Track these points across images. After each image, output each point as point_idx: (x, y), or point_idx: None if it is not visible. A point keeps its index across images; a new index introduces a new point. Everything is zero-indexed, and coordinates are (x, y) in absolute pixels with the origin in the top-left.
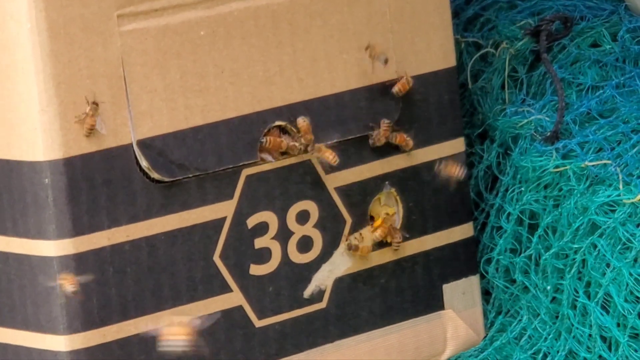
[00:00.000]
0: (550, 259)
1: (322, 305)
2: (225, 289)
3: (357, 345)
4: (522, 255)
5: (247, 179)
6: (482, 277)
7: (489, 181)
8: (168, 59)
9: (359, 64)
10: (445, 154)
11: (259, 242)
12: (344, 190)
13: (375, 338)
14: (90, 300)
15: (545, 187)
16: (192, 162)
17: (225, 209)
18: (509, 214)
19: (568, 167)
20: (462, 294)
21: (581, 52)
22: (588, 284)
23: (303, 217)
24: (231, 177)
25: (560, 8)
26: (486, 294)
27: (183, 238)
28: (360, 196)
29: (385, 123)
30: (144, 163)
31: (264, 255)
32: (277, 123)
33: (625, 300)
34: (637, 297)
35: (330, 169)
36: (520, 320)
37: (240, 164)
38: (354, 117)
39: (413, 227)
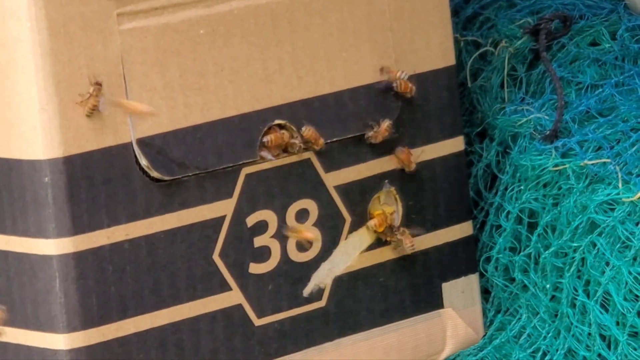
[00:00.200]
0: (550, 257)
1: (322, 304)
2: (225, 287)
3: (357, 344)
4: (522, 253)
5: (247, 177)
6: (482, 275)
7: (488, 180)
8: (168, 58)
9: (358, 62)
10: (444, 152)
11: (259, 241)
12: (343, 189)
13: (375, 337)
14: (90, 299)
15: (545, 185)
16: (192, 160)
17: (224, 208)
18: (509, 212)
19: (567, 165)
20: (461, 293)
21: (580, 51)
22: (587, 283)
23: (302, 215)
24: (231, 176)
25: (559, 7)
26: (485, 292)
27: (182, 237)
28: (359, 195)
29: (387, 123)
30: (143, 162)
31: (263, 254)
32: (277, 122)
33: (625, 299)
34: (637, 296)
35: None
36: (519, 318)
37: (240, 162)
38: (353, 116)
39: (412, 225)
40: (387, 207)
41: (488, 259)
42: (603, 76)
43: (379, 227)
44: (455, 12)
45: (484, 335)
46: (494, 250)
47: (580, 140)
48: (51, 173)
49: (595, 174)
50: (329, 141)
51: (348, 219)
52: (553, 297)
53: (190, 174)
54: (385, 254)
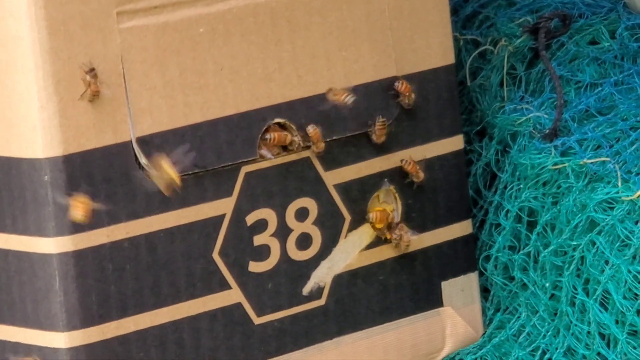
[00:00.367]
0: (549, 256)
1: (321, 302)
2: (224, 286)
3: (356, 342)
4: (521, 252)
5: (246, 176)
6: (481, 274)
7: (487, 178)
8: (167, 56)
9: (358, 61)
10: (444, 151)
11: (258, 239)
12: (343, 188)
13: (374, 335)
14: (90, 297)
15: (544, 184)
16: (192, 159)
17: (224, 206)
18: (508, 211)
19: (567, 164)
20: (460, 291)
21: (580, 50)
22: (587, 281)
23: (302, 214)
24: (230, 174)
25: (558, 5)
26: (485, 291)
27: (182, 235)
28: (359, 193)
29: (380, 120)
30: (143, 160)
31: (263, 253)
32: (277, 120)
33: (624, 297)
34: (636, 294)
35: None
36: (519, 317)
37: (240, 161)
38: (352, 114)
39: (412, 224)
40: (387, 205)
41: (487, 258)
42: (602, 75)
43: (378, 222)
44: (454, 10)
45: (484, 334)
46: (493, 249)
47: (580, 139)
48: (51, 172)
49: (595, 173)
50: (328, 139)
51: (348, 217)
52: (552, 295)
53: (190, 173)
54: (384, 253)
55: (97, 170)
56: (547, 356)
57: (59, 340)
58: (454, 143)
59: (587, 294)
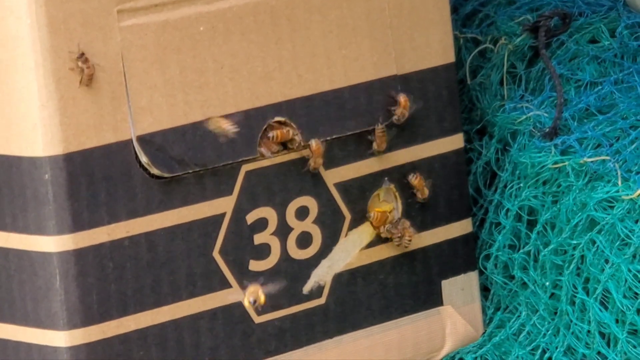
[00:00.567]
0: (549, 255)
1: (321, 301)
2: (225, 284)
3: (356, 341)
4: (521, 251)
5: (247, 174)
6: (481, 273)
7: (487, 177)
8: (168, 55)
9: (358, 60)
10: (444, 150)
11: (259, 238)
12: (343, 186)
13: (374, 334)
14: (90, 296)
15: (544, 183)
16: (192, 157)
17: (224, 205)
18: (508, 210)
19: (567, 163)
20: (460, 290)
21: (580, 48)
22: (587, 280)
23: (302, 212)
24: (230, 173)
25: (558, 4)
26: (485, 290)
27: (182, 234)
28: (359, 192)
29: (379, 128)
30: (143, 159)
31: (263, 251)
32: (277, 119)
33: (624, 296)
34: (636, 293)
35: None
36: (519, 316)
37: (240, 159)
38: (353, 113)
39: (412, 223)
40: (387, 204)
41: (487, 257)
42: (602, 74)
43: (377, 222)
44: (454, 9)
45: (484, 333)
46: (493, 248)
47: (580, 138)
48: (51, 170)
49: (595, 172)
50: (328, 138)
51: (348, 216)
52: (552, 294)
53: (190, 171)
54: (385, 252)
55: (98, 168)
56: (547, 355)
57: (60, 339)
58: (454, 142)
59: (587, 293)
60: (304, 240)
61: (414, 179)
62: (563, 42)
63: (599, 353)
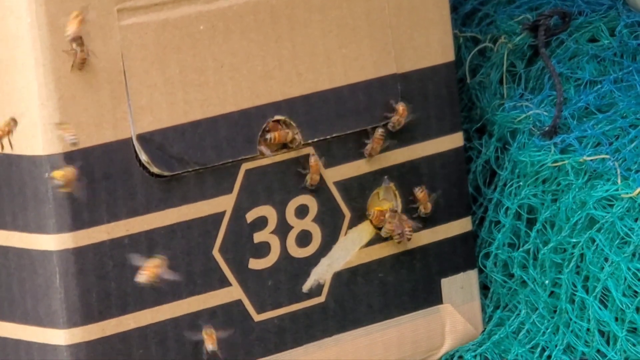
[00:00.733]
0: (549, 253)
1: (321, 299)
2: (225, 283)
3: (356, 340)
4: (521, 249)
5: (247, 173)
6: (481, 271)
7: (487, 176)
8: (168, 54)
9: (357, 59)
10: (443, 148)
11: (258, 237)
12: (342, 185)
13: (374, 332)
14: (90, 294)
15: (544, 181)
16: (192, 156)
17: (224, 203)
18: (507, 208)
19: (566, 161)
20: (460, 288)
21: (579, 47)
22: (586, 279)
23: (302, 211)
24: (230, 172)
25: (558, 3)
26: (484, 288)
27: (182, 232)
28: (359, 191)
29: (379, 132)
30: (143, 157)
31: (263, 250)
32: (277, 117)
33: (624, 295)
34: (635, 292)
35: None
36: (518, 314)
37: (240, 158)
38: (352, 112)
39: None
40: (387, 203)
41: (487, 255)
42: (602, 72)
43: (377, 221)
44: (454, 8)
45: (483, 331)
46: (492, 246)
47: (579, 136)
48: (51, 168)
49: (594, 170)
50: (328, 137)
51: (347, 214)
52: (552, 292)
53: (190, 170)
54: (384, 250)
55: (97, 167)
56: (546, 353)
57: (59, 337)
58: (454, 140)
59: (587, 292)
60: (304, 238)
61: (420, 192)
62: (563, 40)
63: (598, 351)
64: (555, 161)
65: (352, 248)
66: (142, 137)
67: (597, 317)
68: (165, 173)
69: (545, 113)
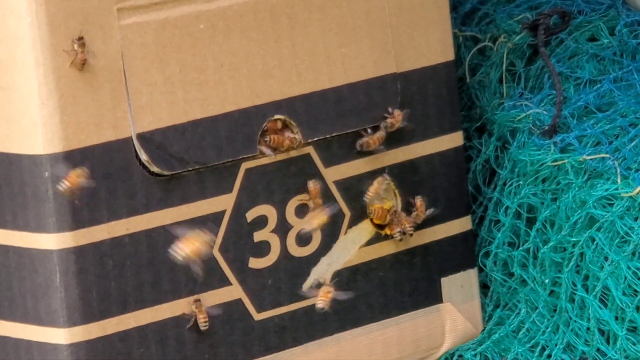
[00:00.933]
0: (549, 252)
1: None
2: (225, 282)
3: (356, 339)
4: (520, 248)
5: (247, 172)
6: (481, 270)
7: (487, 175)
8: (168, 53)
9: (357, 58)
10: (443, 147)
11: (258, 236)
12: (342, 184)
13: (374, 331)
14: (90, 293)
15: (543, 180)
16: (192, 155)
17: (224, 203)
18: (507, 207)
19: (566, 160)
20: (460, 287)
21: (579, 46)
22: (586, 278)
23: (302, 210)
24: (230, 171)
25: (557, 2)
26: (484, 287)
27: (183, 231)
28: (358, 190)
29: (380, 133)
30: (143, 156)
31: (263, 249)
32: (277, 117)
33: (624, 294)
34: (635, 291)
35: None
36: (518, 313)
37: (240, 157)
38: (352, 111)
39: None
40: (387, 202)
41: (487, 254)
42: (602, 71)
43: (377, 219)
44: (454, 7)
45: (483, 330)
46: (492, 245)
47: (579, 136)
48: (51, 168)
49: (594, 169)
50: (328, 136)
51: (347, 214)
52: (552, 291)
53: (190, 169)
54: (384, 249)
55: (98, 166)
56: (546, 352)
57: (60, 336)
58: (454, 139)
59: (587, 290)
60: (304, 238)
61: (419, 201)
62: (562, 40)
63: (598, 350)
64: (555, 160)
65: (352, 247)
66: (142, 137)
67: (597, 316)
68: (166, 172)
69: (545, 112)
